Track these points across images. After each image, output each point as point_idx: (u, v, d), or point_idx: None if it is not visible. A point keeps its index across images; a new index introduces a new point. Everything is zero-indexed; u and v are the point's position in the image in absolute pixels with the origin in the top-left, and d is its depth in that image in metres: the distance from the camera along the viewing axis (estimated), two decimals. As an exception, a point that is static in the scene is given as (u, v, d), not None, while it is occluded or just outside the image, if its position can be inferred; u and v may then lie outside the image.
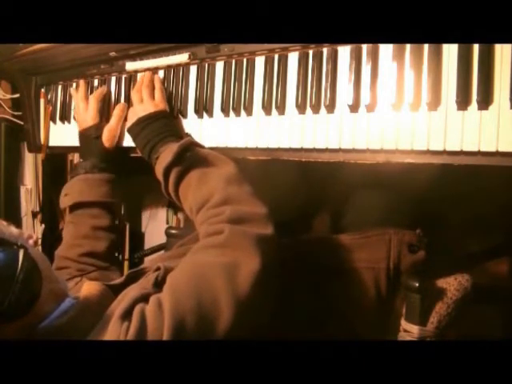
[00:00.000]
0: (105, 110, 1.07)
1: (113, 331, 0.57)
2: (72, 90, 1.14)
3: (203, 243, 0.68)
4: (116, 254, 1.08)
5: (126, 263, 1.72)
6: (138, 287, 0.66)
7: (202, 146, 0.83)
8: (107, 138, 1.01)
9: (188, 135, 0.91)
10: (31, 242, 0.67)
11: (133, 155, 1.02)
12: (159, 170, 0.80)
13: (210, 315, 0.59)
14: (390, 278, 0.82)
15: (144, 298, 0.61)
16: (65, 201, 0.99)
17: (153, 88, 0.97)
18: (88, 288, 0.69)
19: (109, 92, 1.09)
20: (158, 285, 0.66)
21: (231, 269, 0.62)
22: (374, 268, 0.82)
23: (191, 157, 0.78)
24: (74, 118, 1.13)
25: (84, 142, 1.04)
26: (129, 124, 0.93)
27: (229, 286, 0.61)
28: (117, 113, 1.02)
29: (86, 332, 0.59)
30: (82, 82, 1.12)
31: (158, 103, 0.94)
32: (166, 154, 0.80)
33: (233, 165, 0.78)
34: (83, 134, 1.04)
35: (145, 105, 0.93)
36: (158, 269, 0.70)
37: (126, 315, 0.58)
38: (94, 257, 0.95)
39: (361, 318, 0.83)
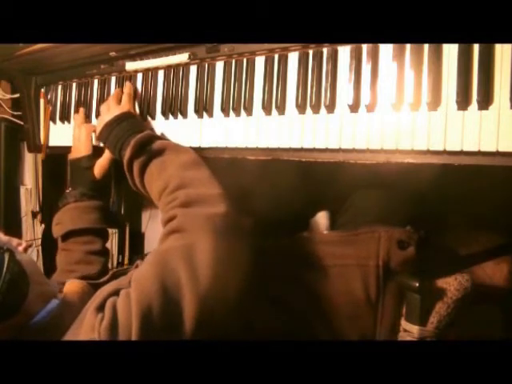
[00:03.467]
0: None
1: (88, 323, 0.59)
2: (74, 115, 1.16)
3: (163, 233, 0.70)
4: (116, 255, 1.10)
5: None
6: (115, 283, 0.68)
7: (163, 139, 0.86)
8: (98, 170, 1.04)
9: (152, 130, 0.94)
10: (21, 248, 0.71)
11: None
12: (124, 166, 0.84)
13: (174, 298, 0.61)
14: (380, 275, 0.81)
15: (117, 293, 0.63)
16: (57, 230, 1.02)
17: (120, 98, 1.00)
18: (70, 287, 0.72)
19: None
20: None
21: (187, 250, 0.64)
22: (364, 265, 0.82)
23: (150, 149, 0.81)
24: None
25: (74, 171, 1.06)
26: (98, 131, 0.96)
27: (188, 267, 0.62)
28: None
29: (67, 329, 0.61)
30: (81, 109, 1.14)
31: (123, 106, 0.97)
32: (127, 149, 0.83)
33: (191, 152, 0.81)
34: (74, 163, 1.06)
35: (111, 111, 0.95)
36: (137, 266, 0.71)
37: (100, 308, 0.60)
38: (86, 279, 0.97)
39: (349, 315, 0.82)
